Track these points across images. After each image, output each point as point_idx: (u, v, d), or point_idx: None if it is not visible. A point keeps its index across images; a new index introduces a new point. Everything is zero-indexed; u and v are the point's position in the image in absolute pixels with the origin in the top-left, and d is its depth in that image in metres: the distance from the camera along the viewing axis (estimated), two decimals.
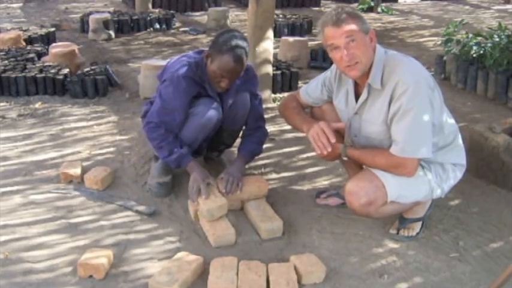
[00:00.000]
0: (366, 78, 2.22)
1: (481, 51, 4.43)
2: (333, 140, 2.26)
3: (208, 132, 2.69)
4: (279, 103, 4.06)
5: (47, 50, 4.98)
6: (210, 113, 2.62)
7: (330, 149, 2.27)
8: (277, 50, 5.15)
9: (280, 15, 7.06)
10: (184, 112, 2.60)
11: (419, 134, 2.13)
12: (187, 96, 2.59)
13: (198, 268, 2.13)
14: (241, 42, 2.53)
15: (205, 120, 2.62)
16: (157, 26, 6.80)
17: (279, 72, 4.39)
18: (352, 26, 2.14)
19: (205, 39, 6.35)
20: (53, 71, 4.35)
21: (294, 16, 7.05)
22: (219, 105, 2.68)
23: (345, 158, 2.37)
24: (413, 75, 2.14)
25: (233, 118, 2.76)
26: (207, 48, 2.70)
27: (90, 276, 2.11)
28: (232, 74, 2.55)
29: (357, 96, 2.32)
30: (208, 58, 2.59)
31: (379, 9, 8.54)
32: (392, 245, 2.38)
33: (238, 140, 2.97)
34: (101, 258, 2.13)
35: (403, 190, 2.23)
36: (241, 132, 2.92)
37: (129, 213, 2.60)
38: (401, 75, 2.13)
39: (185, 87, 2.57)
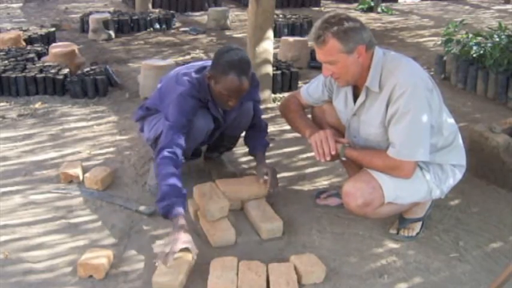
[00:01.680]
0: (364, 80, 2.22)
1: (481, 51, 4.43)
2: (333, 152, 2.28)
3: (198, 141, 2.66)
4: (279, 103, 4.07)
5: (47, 50, 4.98)
6: (202, 125, 2.58)
7: (329, 159, 2.30)
8: (277, 50, 5.15)
9: (280, 15, 7.05)
10: (190, 126, 2.53)
11: (417, 137, 2.13)
12: (193, 112, 2.53)
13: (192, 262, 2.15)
14: (243, 60, 2.46)
15: (198, 134, 2.58)
16: (157, 26, 6.80)
17: (279, 72, 4.39)
18: (333, 49, 2.12)
19: (205, 39, 6.35)
20: (53, 71, 4.35)
21: (294, 16, 7.05)
22: (213, 118, 2.63)
23: (344, 159, 2.37)
24: (411, 77, 2.13)
25: (237, 126, 2.78)
26: (202, 64, 2.66)
27: (90, 276, 2.11)
28: (239, 93, 2.49)
29: (356, 97, 2.32)
30: (211, 79, 2.51)
31: (379, 9, 8.54)
32: (392, 245, 2.38)
33: (239, 141, 2.98)
34: (101, 258, 2.13)
35: (400, 191, 2.23)
36: (240, 136, 2.93)
37: (129, 213, 2.60)
38: (399, 77, 2.13)
39: (191, 104, 2.51)
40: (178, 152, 2.41)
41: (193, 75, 2.58)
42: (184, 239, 2.12)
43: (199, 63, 2.71)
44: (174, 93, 2.53)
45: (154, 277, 2.05)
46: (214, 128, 2.67)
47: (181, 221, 2.19)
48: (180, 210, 2.22)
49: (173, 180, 2.29)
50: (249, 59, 2.55)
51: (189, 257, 2.13)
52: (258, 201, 2.59)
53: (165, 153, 2.37)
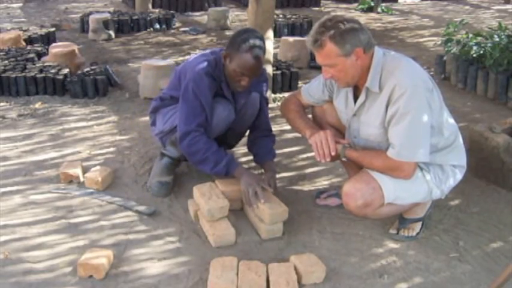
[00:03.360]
0: (364, 80, 2.22)
1: (481, 51, 4.43)
2: (334, 153, 2.29)
3: (220, 132, 2.68)
4: (279, 103, 4.07)
5: (47, 50, 4.98)
6: (226, 113, 2.62)
7: (329, 159, 2.31)
8: (277, 50, 5.15)
9: (280, 15, 7.06)
10: (210, 107, 2.57)
11: (417, 138, 2.13)
12: (210, 92, 2.57)
13: None
14: (259, 41, 2.53)
15: (220, 121, 2.61)
16: (157, 26, 6.80)
17: (279, 72, 4.39)
18: (331, 52, 2.13)
19: (205, 39, 6.35)
20: (53, 71, 4.35)
21: (294, 16, 7.05)
22: (233, 106, 2.68)
23: (344, 159, 2.37)
24: (411, 78, 2.13)
25: (241, 118, 2.76)
26: (219, 48, 2.71)
27: (90, 276, 2.11)
28: (252, 72, 2.53)
29: (356, 97, 2.32)
30: (227, 58, 2.57)
31: (379, 9, 8.55)
32: (392, 245, 2.38)
33: (240, 141, 2.98)
34: (101, 258, 2.13)
35: (400, 192, 2.23)
36: (245, 134, 2.93)
37: (129, 213, 2.60)
38: (399, 78, 2.13)
39: (208, 82, 2.55)
40: (201, 130, 2.52)
41: (209, 54, 2.65)
42: (257, 180, 2.49)
43: (216, 48, 2.77)
44: (191, 71, 2.57)
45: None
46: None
47: (244, 168, 2.62)
48: (236, 162, 2.59)
49: (215, 147, 2.53)
50: (264, 43, 2.59)
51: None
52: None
53: (192, 135, 2.50)
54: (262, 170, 2.84)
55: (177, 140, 2.60)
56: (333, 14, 7.53)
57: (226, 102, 2.65)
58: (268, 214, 2.37)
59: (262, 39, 2.57)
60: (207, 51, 2.72)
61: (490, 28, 4.92)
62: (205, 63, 2.57)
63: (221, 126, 2.65)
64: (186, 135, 2.51)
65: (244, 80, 2.55)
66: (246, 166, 3.10)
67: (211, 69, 2.57)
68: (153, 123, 2.87)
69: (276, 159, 3.17)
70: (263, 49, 2.55)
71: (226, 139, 2.90)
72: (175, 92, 2.70)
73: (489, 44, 4.40)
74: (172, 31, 6.80)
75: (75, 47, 4.94)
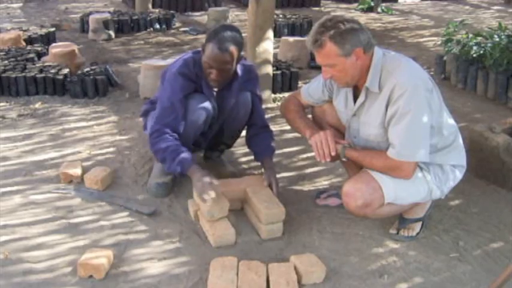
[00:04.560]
0: (364, 81, 2.22)
1: (481, 51, 4.43)
2: (334, 153, 2.29)
3: (200, 128, 2.67)
4: (279, 103, 4.07)
5: (47, 50, 4.97)
6: (200, 109, 2.61)
7: (329, 159, 2.31)
8: (277, 50, 5.15)
9: (280, 15, 7.05)
10: (183, 107, 2.57)
11: (416, 138, 2.13)
12: (183, 92, 2.58)
13: None
14: (229, 32, 2.53)
15: (195, 117, 2.60)
16: (157, 26, 6.79)
17: (279, 72, 4.39)
18: (331, 53, 2.13)
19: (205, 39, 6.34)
20: (53, 71, 4.35)
21: (294, 16, 7.05)
22: (211, 102, 2.67)
23: (344, 159, 2.37)
24: (411, 78, 2.13)
25: (234, 118, 2.76)
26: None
27: (90, 276, 2.11)
28: (218, 64, 2.51)
29: (356, 97, 2.32)
30: (202, 51, 2.59)
31: (379, 9, 8.54)
32: (392, 245, 2.38)
33: (239, 141, 2.98)
34: (101, 258, 2.13)
35: (400, 192, 2.23)
36: (241, 133, 2.92)
37: (129, 213, 2.60)
38: (399, 78, 2.13)
39: (181, 82, 2.57)
40: (168, 130, 2.52)
41: (190, 54, 2.67)
42: (208, 179, 2.40)
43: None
44: (169, 73, 2.61)
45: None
46: (211, 117, 2.68)
47: (197, 168, 2.48)
48: (191, 162, 2.48)
49: (174, 146, 2.49)
50: (241, 38, 2.60)
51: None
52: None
53: (155, 134, 2.53)
54: (263, 169, 2.84)
55: None
56: (332, 14, 7.54)
57: (201, 96, 2.63)
58: (264, 214, 2.38)
59: (237, 32, 2.57)
60: (190, 51, 2.74)
61: (490, 28, 4.92)
62: (181, 64, 2.60)
63: (199, 122, 2.63)
64: (151, 135, 2.56)
65: (212, 73, 2.55)
66: (245, 166, 3.11)
67: (187, 69, 2.59)
68: (145, 127, 2.89)
69: (276, 159, 3.18)
70: (235, 43, 2.53)
71: (222, 139, 2.91)
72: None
73: (489, 44, 4.40)
74: (172, 31, 6.80)
75: (75, 47, 4.94)
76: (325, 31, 2.11)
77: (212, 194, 2.34)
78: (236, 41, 2.54)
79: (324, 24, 2.14)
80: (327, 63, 2.18)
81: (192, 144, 2.70)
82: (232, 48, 2.51)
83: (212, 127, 2.77)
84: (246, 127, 2.88)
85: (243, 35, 2.69)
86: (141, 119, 3.06)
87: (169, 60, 4.55)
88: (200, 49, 2.71)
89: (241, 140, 3.01)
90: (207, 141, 2.89)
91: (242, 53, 2.66)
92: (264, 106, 3.90)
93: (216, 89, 2.70)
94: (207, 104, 2.64)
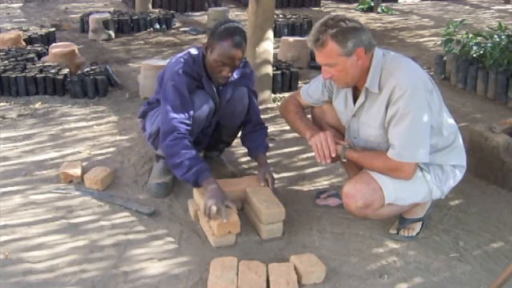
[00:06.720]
0: (364, 81, 2.21)
1: (481, 51, 4.44)
2: (334, 155, 2.29)
3: (201, 125, 2.67)
4: (279, 103, 4.07)
5: (47, 50, 4.98)
6: (204, 105, 2.61)
7: (329, 161, 2.31)
8: (277, 50, 5.15)
9: (280, 15, 7.06)
10: (193, 105, 2.57)
11: (417, 138, 2.13)
12: (188, 90, 2.58)
13: None
14: (239, 29, 2.54)
15: (199, 113, 2.60)
16: (157, 26, 6.80)
17: (279, 72, 4.39)
18: (332, 52, 2.12)
19: (205, 39, 6.30)
20: (53, 71, 4.35)
21: (294, 16, 7.05)
22: (212, 97, 2.67)
23: (344, 160, 2.37)
24: (411, 79, 2.13)
25: (231, 114, 2.76)
26: (199, 46, 2.72)
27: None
28: (233, 61, 2.53)
29: (356, 98, 2.32)
30: (208, 49, 2.58)
31: (379, 9, 8.54)
32: (392, 245, 2.38)
33: (239, 141, 2.98)
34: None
35: (400, 192, 2.23)
36: (240, 131, 2.92)
37: (129, 213, 2.60)
38: (399, 79, 2.12)
39: (186, 81, 2.57)
40: (183, 129, 2.50)
41: (190, 52, 2.66)
42: (222, 197, 2.34)
43: (195, 46, 2.78)
44: (169, 72, 2.60)
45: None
46: (213, 112, 2.68)
47: (214, 181, 2.42)
48: (208, 173, 2.44)
49: (193, 153, 2.45)
50: (245, 31, 2.60)
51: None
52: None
53: (174, 135, 2.47)
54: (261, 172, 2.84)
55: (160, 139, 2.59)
56: (333, 14, 7.53)
57: (203, 93, 2.64)
58: (264, 214, 2.37)
59: (242, 28, 2.58)
60: (185, 51, 2.73)
61: (490, 28, 4.92)
62: (182, 63, 2.59)
63: (202, 117, 2.63)
64: (168, 134, 2.50)
65: (225, 70, 2.55)
66: (245, 166, 3.11)
67: (189, 68, 2.59)
68: (143, 128, 2.89)
69: (276, 159, 3.19)
70: (244, 38, 2.55)
71: (221, 136, 2.90)
72: (160, 96, 2.70)
73: (489, 44, 4.40)
74: (172, 31, 6.80)
75: (75, 47, 4.94)
76: (327, 30, 2.11)
77: (224, 218, 2.29)
78: (244, 34, 2.57)
79: (325, 23, 2.13)
80: (327, 62, 2.17)
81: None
82: (244, 43, 2.55)
83: (211, 122, 2.77)
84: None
85: None
86: (139, 121, 3.06)
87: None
88: (199, 47, 2.70)
89: (240, 140, 3.01)
90: (207, 140, 2.89)
91: None
92: (264, 106, 3.93)
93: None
94: (209, 100, 2.64)
